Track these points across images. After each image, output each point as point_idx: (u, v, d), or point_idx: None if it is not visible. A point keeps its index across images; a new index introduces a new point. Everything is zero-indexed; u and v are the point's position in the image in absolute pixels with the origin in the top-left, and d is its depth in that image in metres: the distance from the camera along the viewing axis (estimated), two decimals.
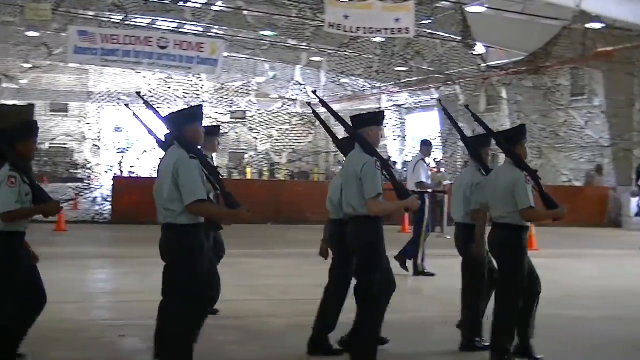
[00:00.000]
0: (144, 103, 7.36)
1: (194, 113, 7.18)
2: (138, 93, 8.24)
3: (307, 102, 9.35)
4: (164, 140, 7.74)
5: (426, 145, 15.73)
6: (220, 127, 12.57)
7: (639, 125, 28.35)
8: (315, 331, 8.39)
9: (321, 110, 8.95)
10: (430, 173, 16.30)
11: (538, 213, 8.03)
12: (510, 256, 7.87)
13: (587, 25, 25.73)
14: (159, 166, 7.07)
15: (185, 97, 30.49)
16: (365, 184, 7.25)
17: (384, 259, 7.41)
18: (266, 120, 28.04)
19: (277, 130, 27.71)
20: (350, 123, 7.64)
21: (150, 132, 7.82)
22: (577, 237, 23.45)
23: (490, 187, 8.13)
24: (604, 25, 25.89)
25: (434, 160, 30.21)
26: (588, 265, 17.40)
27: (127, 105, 8.64)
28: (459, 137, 8.65)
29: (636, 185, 24.09)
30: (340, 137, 8.52)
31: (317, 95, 8.72)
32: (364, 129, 7.56)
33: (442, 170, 24.95)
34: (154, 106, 7.47)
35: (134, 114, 8.06)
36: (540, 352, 8.11)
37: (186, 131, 6.93)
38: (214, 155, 10.78)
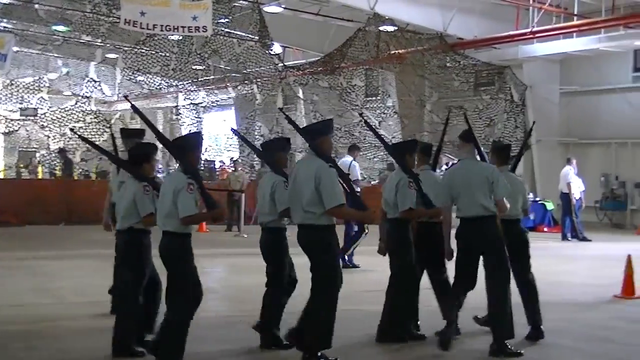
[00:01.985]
0: (238, 138, 8.42)
1: (328, 126, 8.24)
2: (234, 132, 9.03)
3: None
4: None
5: (357, 149, 17.40)
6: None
7: (430, 125, 29.36)
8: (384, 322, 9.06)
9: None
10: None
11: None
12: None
13: (381, 28, 26.45)
14: (292, 173, 8.02)
15: None
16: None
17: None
18: (59, 118, 27.09)
19: (70, 128, 26.85)
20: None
21: None
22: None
23: (461, 183, 8.69)
24: (396, 28, 26.68)
25: (231, 159, 30.24)
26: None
27: None
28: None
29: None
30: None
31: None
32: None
33: (239, 169, 24.97)
34: None
35: None
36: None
37: (322, 142, 7.89)
38: None
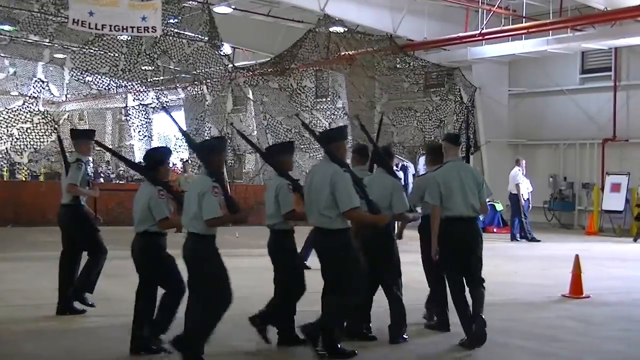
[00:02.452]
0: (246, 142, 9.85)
1: (342, 132, 8.66)
2: (243, 136, 9.70)
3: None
4: None
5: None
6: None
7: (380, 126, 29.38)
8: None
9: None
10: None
11: None
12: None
13: (331, 29, 26.46)
14: (307, 178, 8.37)
15: None
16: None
17: None
18: (6, 119, 26.66)
19: (17, 129, 26.46)
20: None
21: None
22: None
23: (454, 184, 8.88)
24: (346, 29, 26.70)
25: (180, 160, 30.04)
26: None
27: None
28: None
29: None
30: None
31: None
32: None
33: (189, 170, 24.82)
34: None
35: None
36: None
37: (337, 147, 8.23)
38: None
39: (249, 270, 13.66)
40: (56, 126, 26.13)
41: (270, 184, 8.93)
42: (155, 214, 8.09)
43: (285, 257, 8.75)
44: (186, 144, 8.46)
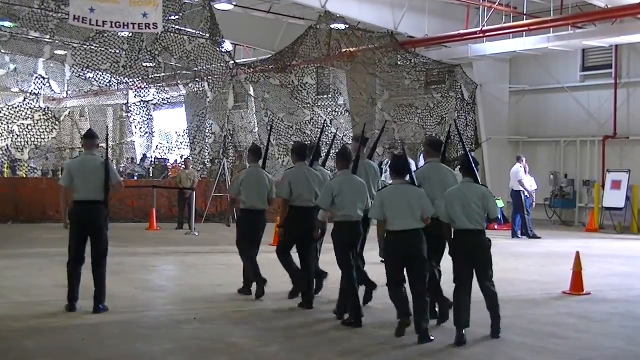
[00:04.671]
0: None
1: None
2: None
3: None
4: None
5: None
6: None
7: (380, 123, 29.41)
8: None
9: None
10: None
11: None
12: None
13: (332, 26, 26.46)
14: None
15: None
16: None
17: None
18: (6, 115, 26.66)
19: (18, 126, 26.47)
20: None
21: None
22: None
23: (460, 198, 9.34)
24: (347, 26, 26.70)
25: (181, 157, 30.04)
26: None
27: None
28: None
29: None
30: None
31: None
32: None
33: (190, 167, 24.82)
34: None
35: None
36: None
37: None
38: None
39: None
40: (57, 123, 26.11)
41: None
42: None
43: None
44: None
